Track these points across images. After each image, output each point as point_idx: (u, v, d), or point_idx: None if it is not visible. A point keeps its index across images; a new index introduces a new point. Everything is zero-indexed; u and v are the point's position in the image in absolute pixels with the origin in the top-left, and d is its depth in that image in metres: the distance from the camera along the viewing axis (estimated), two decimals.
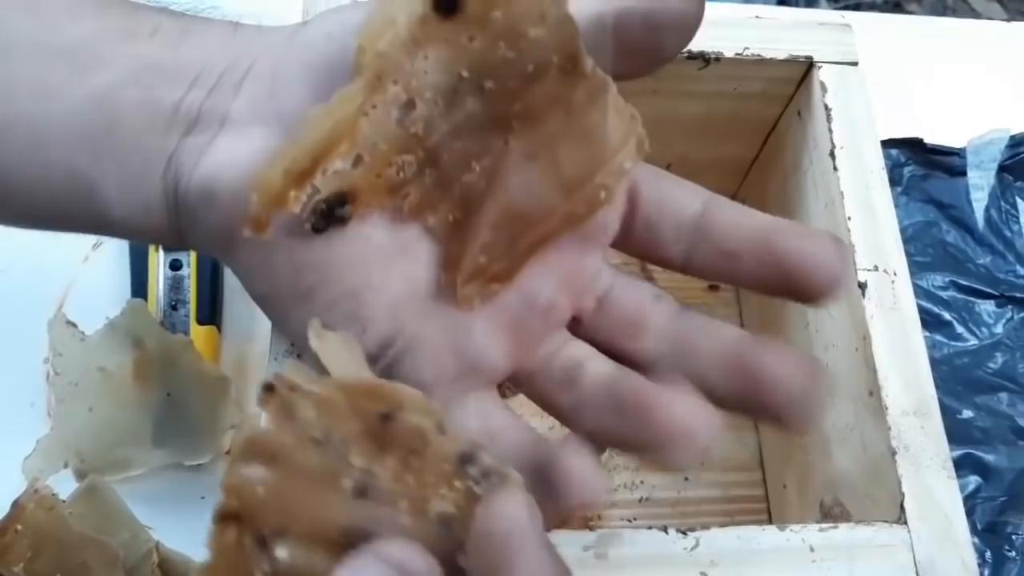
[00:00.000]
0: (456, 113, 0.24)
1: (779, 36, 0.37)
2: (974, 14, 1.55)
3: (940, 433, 0.31)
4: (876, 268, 0.33)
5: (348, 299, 0.24)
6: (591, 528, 0.28)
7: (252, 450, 0.21)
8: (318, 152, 0.23)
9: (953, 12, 1.56)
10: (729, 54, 0.37)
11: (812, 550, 0.29)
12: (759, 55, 0.37)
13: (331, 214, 0.24)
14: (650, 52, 0.25)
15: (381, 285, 0.25)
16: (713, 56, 0.37)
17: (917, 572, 0.29)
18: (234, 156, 0.24)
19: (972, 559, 0.29)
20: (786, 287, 0.25)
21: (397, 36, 0.23)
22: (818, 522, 0.30)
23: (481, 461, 0.21)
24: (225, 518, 0.21)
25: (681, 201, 0.26)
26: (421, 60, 0.23)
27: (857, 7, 1.53)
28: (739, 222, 0.26)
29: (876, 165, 0.35)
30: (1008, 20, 1.59)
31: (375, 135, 0.24)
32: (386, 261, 0.25)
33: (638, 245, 0.27)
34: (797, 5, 1.46)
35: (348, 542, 0.20)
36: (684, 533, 0.29)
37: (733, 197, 0.47)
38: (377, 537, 0.20)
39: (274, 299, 0.26)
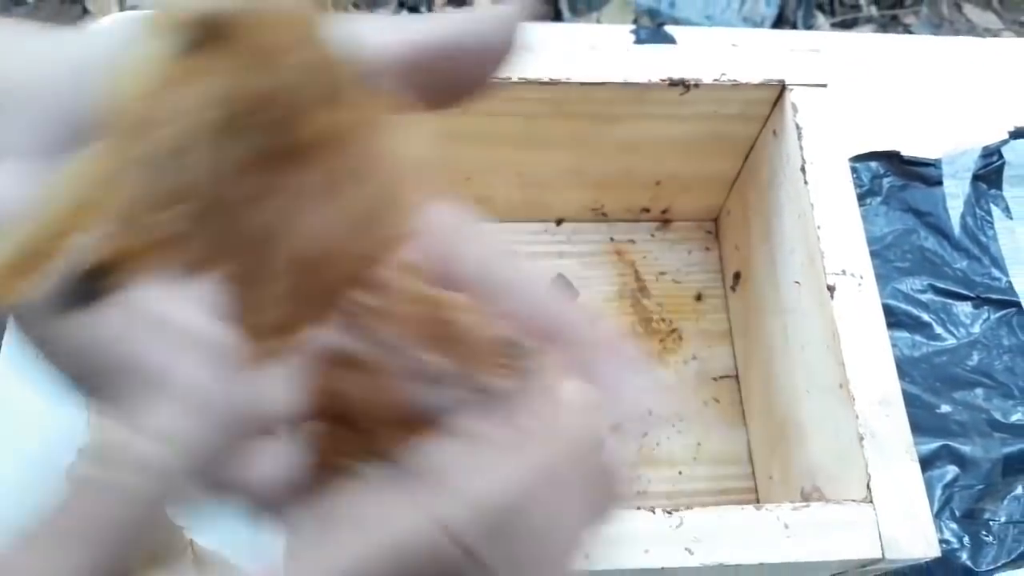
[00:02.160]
0: (227, 155, 0.22)
1: (753, 62, 0.41)
2: (970, 25, 1.58)
3: (904, 421, 0.34)
4: (844, 272, 0.37)
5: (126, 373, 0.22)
6: None
7: (340, 360, 0.24)
8: (51, 233, 0.21)
9: (950, 24, 1.59)
10: (708, 80, 0.40)
11: (787, 527, 0.32)
12: (735, 80, 0.41)
13: (91, 289, 0.21)
14: (454, 86, 0.25)
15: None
16: (693, 83, 0.40)
17: (882, 546, 0.32)
18: None
19: (933, 534, 0.32)
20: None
21: (150, 82, 0.21)
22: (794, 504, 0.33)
23: (520, 344, 0.24)
24: (323, 418, 0.24)
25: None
26: (181, 102, 0.21)
27: (855, 22, 1.57)
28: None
29: (843, 178, 0.39)
30: (1003, 30, 1.60)
31: (135, 193, 0.22)
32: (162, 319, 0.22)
33: None
34: (795, 22, 1.50)
35: (429, 421, 0.23)
36: (669, 513, 0.32)
37: (720, 210, 0.51)
38: (450, 412, 0.23)
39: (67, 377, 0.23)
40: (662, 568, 0.31)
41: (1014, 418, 0.49)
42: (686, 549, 0.31)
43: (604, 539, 0.31)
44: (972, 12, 1.63)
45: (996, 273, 0.54)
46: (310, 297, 0.24)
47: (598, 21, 1.27)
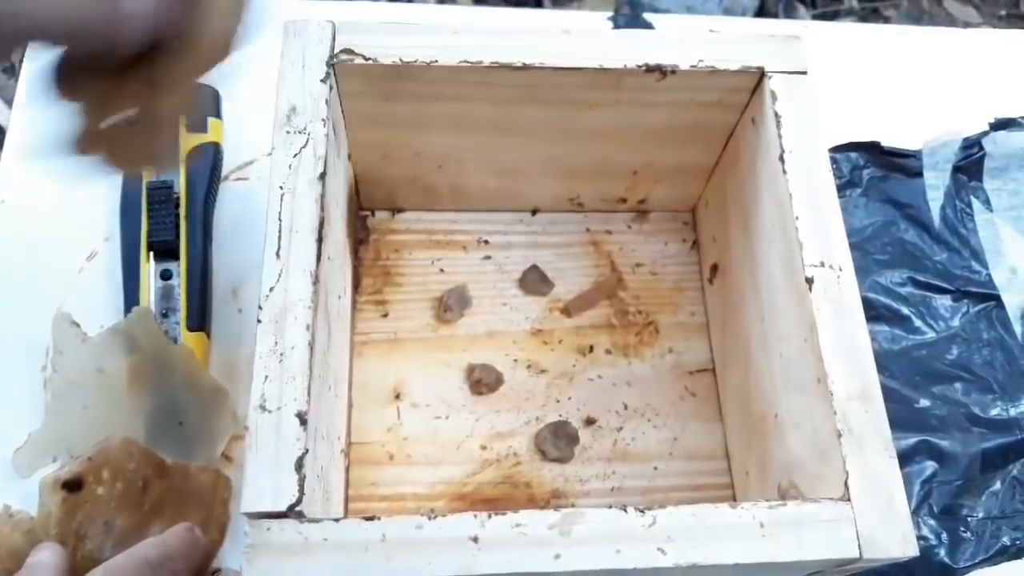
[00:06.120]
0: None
1: (732, 48, 0.40)
2: (949, 18, 1.58)
3: (882, 416, 0.33)
4: (822, 264, 0.36)
5: None
6: (557, 508, 0.31)
7: None
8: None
9: (930, 17, 1.59)
10: (685, 66, 0.39)
11: (762, 526, 0.31)
12: (713, 66, 0.39)
13: None
14: None
15: None
16: (670, 69, 0.39)
17: (859, 545, 0.31)
18: None
19: (911, 532, 0.31)
20: None
21: (54, 516, 0.38)
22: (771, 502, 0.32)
23: None
24: None
25: None
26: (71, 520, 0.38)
27: (835, 15, 1.56)
28: None
29: (823, 168, 0.38)
30: (982, 24, 1.62)
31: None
32: None
33: None
34: (776, 13, 1.49)
35: None
36: (642, 511, 0.31)
37: (698, 200, 0.50)
38: None
39: None
40: (634, 568, 0.30)
41: (993, 412, 0.49)
42: (659, 549, 0.30)
43: (575, 539, 0.30)
44: (952, 6, 1.63)
45: (976, 266, 0.53)
46: None
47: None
